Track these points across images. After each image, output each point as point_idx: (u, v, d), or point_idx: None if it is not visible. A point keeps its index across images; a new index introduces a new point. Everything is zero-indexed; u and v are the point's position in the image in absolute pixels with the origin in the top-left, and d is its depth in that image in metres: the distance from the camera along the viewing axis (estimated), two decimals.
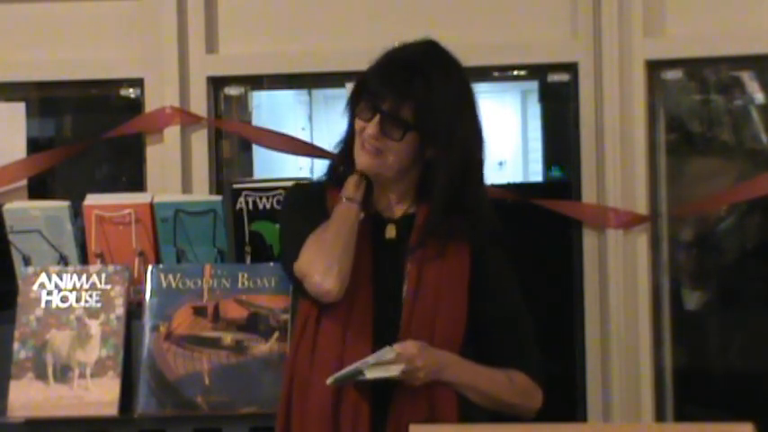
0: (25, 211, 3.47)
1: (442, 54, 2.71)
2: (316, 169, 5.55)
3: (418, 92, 2.64)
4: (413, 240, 2.69)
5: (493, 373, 2.68)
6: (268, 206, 3.37)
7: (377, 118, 2.65)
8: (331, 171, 2.80)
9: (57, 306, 3.27)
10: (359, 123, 2.68)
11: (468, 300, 2.68)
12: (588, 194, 3.68)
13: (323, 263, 2.64)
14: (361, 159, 2.68)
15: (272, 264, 3.24)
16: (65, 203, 3.48)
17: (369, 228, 2.71)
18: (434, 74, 2.67)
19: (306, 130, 6.56)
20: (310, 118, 6.68)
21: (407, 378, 2.58)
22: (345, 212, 2.66)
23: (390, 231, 2.73)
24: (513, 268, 2.76)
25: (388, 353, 2.54)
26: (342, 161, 2.76)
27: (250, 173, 4.10)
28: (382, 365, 2.55)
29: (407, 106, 2.64)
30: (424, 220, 2.70)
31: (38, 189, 3.88)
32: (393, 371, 2.55)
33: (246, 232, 3.38)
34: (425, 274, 2.66)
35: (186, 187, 3.82)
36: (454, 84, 2.70)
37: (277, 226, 3.37)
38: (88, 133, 4.06)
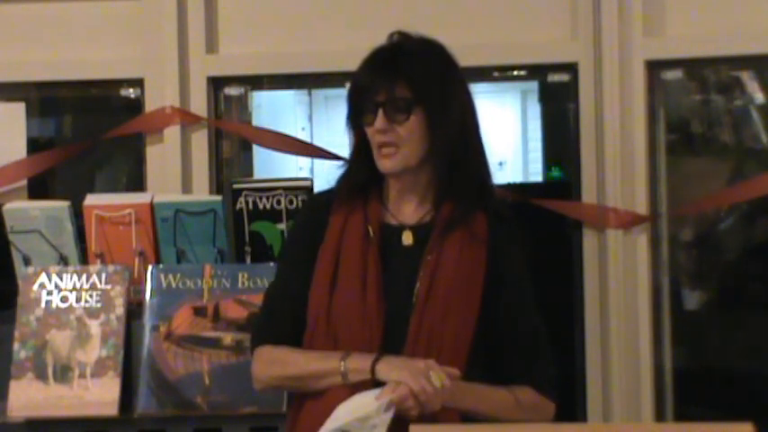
0: (25, 211, 3.47)
1: (413, 36, 2.74)
2: (316, 169, 5.59)
3: (405, 68, 2.65)
4: (438, 224, 2.69)
5: (497, 394, 2.65)
6: (268, 206, 3.37)
7: (379, 112, 2.65)
8: (341, 181, 2.78)
9: (57, 306, 3.27)
10: (368, 132, 2.69)
11: (482, 302, 2.67)
12: (588, 194, 3.68)
13: (272, 381, 2.72)
14: (383, 163, 2.68)
15: (271, 264, 3.24)
16: (65, 203, 3.48)
17: (385, 235, 2.71)
18: (413, 49, 2.70)
19: (306, 130, 6.57)
20: (310, 118, 6.69)
21: (419, 413, 2.55)
22: (329, 380, 2.62)
23: (407, 238, 2.72)
24: (529, 272, 2.75)
25: (367, 405, 2.50)
26: (357, 171, 2.76)
27: (250, 173, 4.10)
28: (370, 418, 2.51)
29: (401, 85, 2.64)
30: (446, 213, 2.69)
31: (38, 189, 3.88)
32: (384, 417, 2.51)
33: (246, 232, 3.38)
34: (439, 275, 2.65)
35: (186, 187, 3.82)
36: (435, 50, 2.73)
37: (277, 226, 3.37)
38: (88, 133, 4.06)
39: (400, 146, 2.66)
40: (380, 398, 2.49)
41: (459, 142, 2.68)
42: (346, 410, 2.51)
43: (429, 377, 2.50)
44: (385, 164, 2.68)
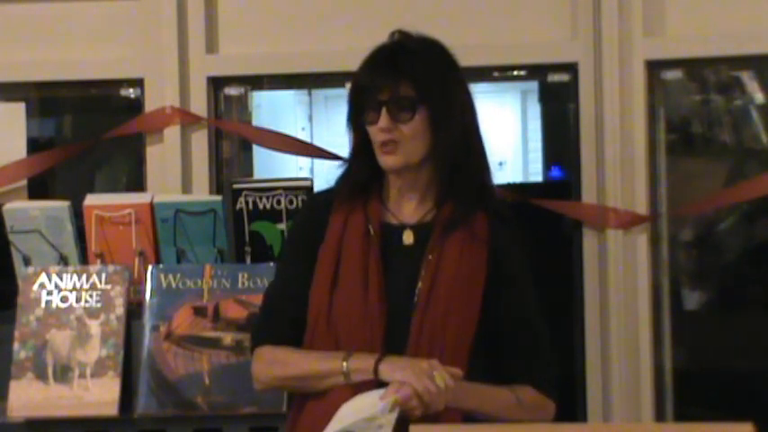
0: (25, 211, 3.47)
1: (414, 35, 2.74)
2: (316, 169, 5.59)
3: (408, 67, 2.65)
4: (438, 224, 2.69)
5: (498, 393, 2.65)
6: (268, 206, 3.37)
7: (383, 111, 2.65)
8: (342, 181, 2.78)
9: (57, 306, 3.27)
10: (371, 130, 2.68)
11: (482, 302, 2.67)
12: (588, 194, 3.68)
13: (273, 381, 2.73)
14: (385, 160, 2.68)
15: (272, 264, 3.24)
16: (65, 203, 3.48)
17: (386, 235, 2.71)
18: (415, 48, 2.70)
19: (306, 130, 6.56)
20: (310, 118, 6.69)
21: (423, 413, 2.55)
22: (331, 381, 2.63)
23: (408, 237, 2.72)
24: (530, 272, 2.75)
25: (371, 405, 2.49)
26: (357, 170, 2.75)
27: (250, 173, 4.10)
28: (376, 419, 2.51)
29: (405, 85, 2.64)
30: (447, 213, 2.69)
31: (38, 189, 3.88)
32: (389, 417, 2.50)
33: (246, 232, 3.37)
34: (441, 275, 2.65)
35: (186, 187, 3.82)
36: (436, 50, 2.73)
37: (277, 226, 3.37)
38: (88, 133, 4.06)
39: (403, 143, 2.66)
40: (384, 398, 2.49)
41: (460, 142, 2.68)
42: (350, 411, 2.50)
43: (432, 377, 2.50)
44: (387, 160, 2.68)
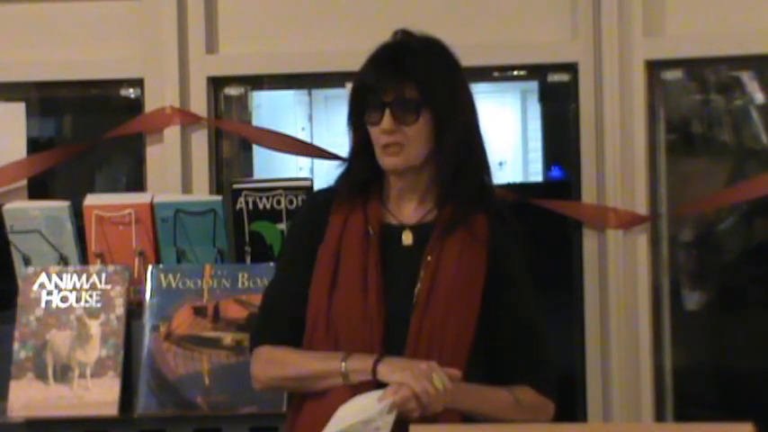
0: (25, 211, 3.47)
1: (417, 35, 2.74)
2: (316, 169, 5.59)
3: (413, 68, 2.65)
4: (438, 225, 2.68)
5: (497, 394, 2.66)
6: (268, 206, 3.37)
7: (386, 112, 2.64)
8: (342, 180, 2.78)
9: (57, 306, 3.27)
10: (373, 131, 2.68)
11: (482, 302, 2.66)
12: (588, 194, 3.68)
13: (271, 381, 2.73)
14: (386, 161, 2.68)
15: (272, 264, 3.24)
16: (65, 203, 3.48)
17: (386, 235, 2.71)
18: (419, 48, 2.70)
19: (306, 130, 6.57)
20: (310, 118, 6.70)
21: (421, 414, 2.54)
22: (330, 381, 2.63)
23: (407, 238, 2.72)
24: (529, 272, 2.75)
25: (369, 407, 2.49)
26: (357, 169, 2.75)
27: (250, 173, 4.10)
28: (373, 420, 2.50)
29: (409, 87, 2.64)
30: (447, 214, 2.68)
31: (38, 189, 3.88)
32: (387, 419, 2.50)
33: (246, 232, 3.38)
34: (440, 275, 2.65)
35: (186, 187, 3.82)
36: (439, 50, 2.73)
37: (277, 226, 3.37)
38: (88, 133, 4.06)
39: (405, 145, 2.66)
40: (383, 399, 2.49)
41: (463, 143, 2.68)
42: (348, 412, 2.50)
43: (431, 379, 2.50)
44: (389, 162, 2.68)
